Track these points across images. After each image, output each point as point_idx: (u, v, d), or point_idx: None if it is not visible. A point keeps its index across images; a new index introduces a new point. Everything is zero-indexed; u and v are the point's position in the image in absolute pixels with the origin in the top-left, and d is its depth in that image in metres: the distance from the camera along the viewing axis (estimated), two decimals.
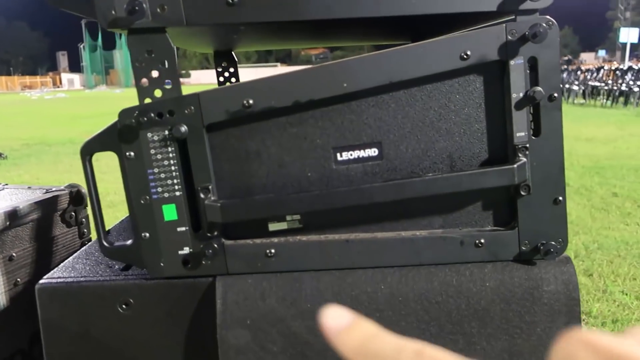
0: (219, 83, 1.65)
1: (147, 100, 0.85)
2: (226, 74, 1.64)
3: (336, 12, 0.83)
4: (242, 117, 0.86)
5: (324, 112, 0.87)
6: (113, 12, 0.81)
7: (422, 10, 0.83)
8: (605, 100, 13.65)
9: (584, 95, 14.67)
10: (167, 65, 0.84)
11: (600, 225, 3.91)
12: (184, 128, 0.84)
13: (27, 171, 6.98)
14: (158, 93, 0.84)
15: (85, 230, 1.35)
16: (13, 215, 1.13)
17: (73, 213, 1.31)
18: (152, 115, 0.84)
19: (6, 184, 1.40)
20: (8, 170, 7.07)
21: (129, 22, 0.81)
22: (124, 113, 0.85)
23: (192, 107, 0.84)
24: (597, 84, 14.61)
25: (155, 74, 0.84)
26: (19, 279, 1.16)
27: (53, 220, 1.26)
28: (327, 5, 0.82)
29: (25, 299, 1.17)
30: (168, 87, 0.84)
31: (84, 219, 1.35)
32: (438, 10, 0.83)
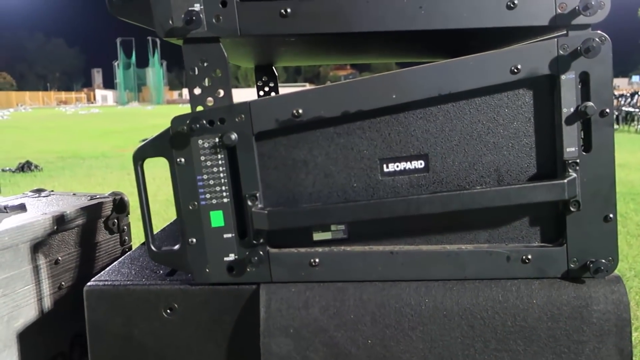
0: (259, 97, 1.67)
1: (199, 108, 0.86)
2: (266, 89, 1.66)
3: (388, 25, 0.84)
4: (291, 126, 0.87)
5: (372, 123, 0.88)
6: (170, 22, 0.84)
7: (475, 24, 0.83)
8: (639, 126, 13.39)
9: (617, 121, 14.42)
10: (219, 74, 0.86)
11: (637, 252, 3.80)
12: (234, 135, 0.85)
13: (61, 183, 7.14)
14: (210, 101, 0.86)
15: (126, 237, 1.38)
16: (60, 220, 1.16)
17: (116, 220, 1.34)
18: (204, 122, 0.86)
19: (52, 190, 1.44)
20: (43, 182, 7.24)
21: (185, 31, 0.84)
22: (176, 120, 0.87)
23: (243, 116, 0.86)
24: (631, 109, 14.35)
25: (207, 82, 0.86)
26: (63, 283, 1.18)
27: (97, 226, 1.28)
28: (380, 18, 0.83)
29: (68, 302, 1.19)
30: (220, 95, 0.86)
31: (125, 227, 1.38)
32: (491, 24, 0.83)
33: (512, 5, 0.83)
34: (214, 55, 0.85)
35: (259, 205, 0.87)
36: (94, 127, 19.63)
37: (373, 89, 0.85)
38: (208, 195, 0.88)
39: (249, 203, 0.87)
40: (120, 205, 1.35)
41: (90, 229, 1.26)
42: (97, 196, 1.34)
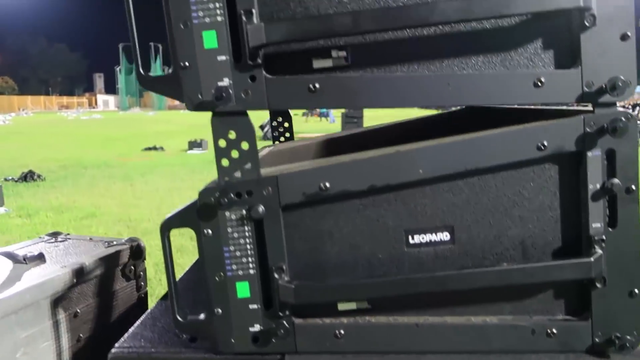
0: (274, 137, 1.68)
1: (227, 180, 0.87)
2: (281, 129, 1.67)
3: (415, 102, 0.85)
4: (317, 199, 0.87)
5: (398, 195, 0.88)
6: (200, 96, 0.84)
7: (502, 101, 0.84)
8: None
9: None
10: (247, 147, 0.86)
11: None
12: (261, 208, 0.86)
13: (64, 194, 7.14)
14: (237, 173, 0.87)
15: (142, 283, 1.38)
16: (79, 273, 1.16)
17: (132, 267, 1.34)
18: (232, 195, 0.86)
19: (68, 234, 1.44)
20: (46, 193, 7.24)
21: (214, 105, 0.84)
22: (205, 192, 0.87)
23: (270, 188, 0.86)
24: None
25: (235, 154, 0.86)
26: (81, 335, 1.18)
27: (114, 275, 1.29)
28: (406, 96, 0.84)
29: (86, 354, 1.19)
30: (247, 167, 0.87)
31: (141, 272, 1.38)
32: (517, 101, 0.84)
33: (539, 84, 0.83)
34: (242, 128, 0.86)
35: (285, 278, 0.88)
36: (96, 132, 19.61)
37: (400, 164, 0.86)
38: (234, 267, 0.88)
39: (276, 275, 0.88)
40: (137, 252, 1.35)
41: (107, 278, 1.26)
42: (114, 242, 1.35)
